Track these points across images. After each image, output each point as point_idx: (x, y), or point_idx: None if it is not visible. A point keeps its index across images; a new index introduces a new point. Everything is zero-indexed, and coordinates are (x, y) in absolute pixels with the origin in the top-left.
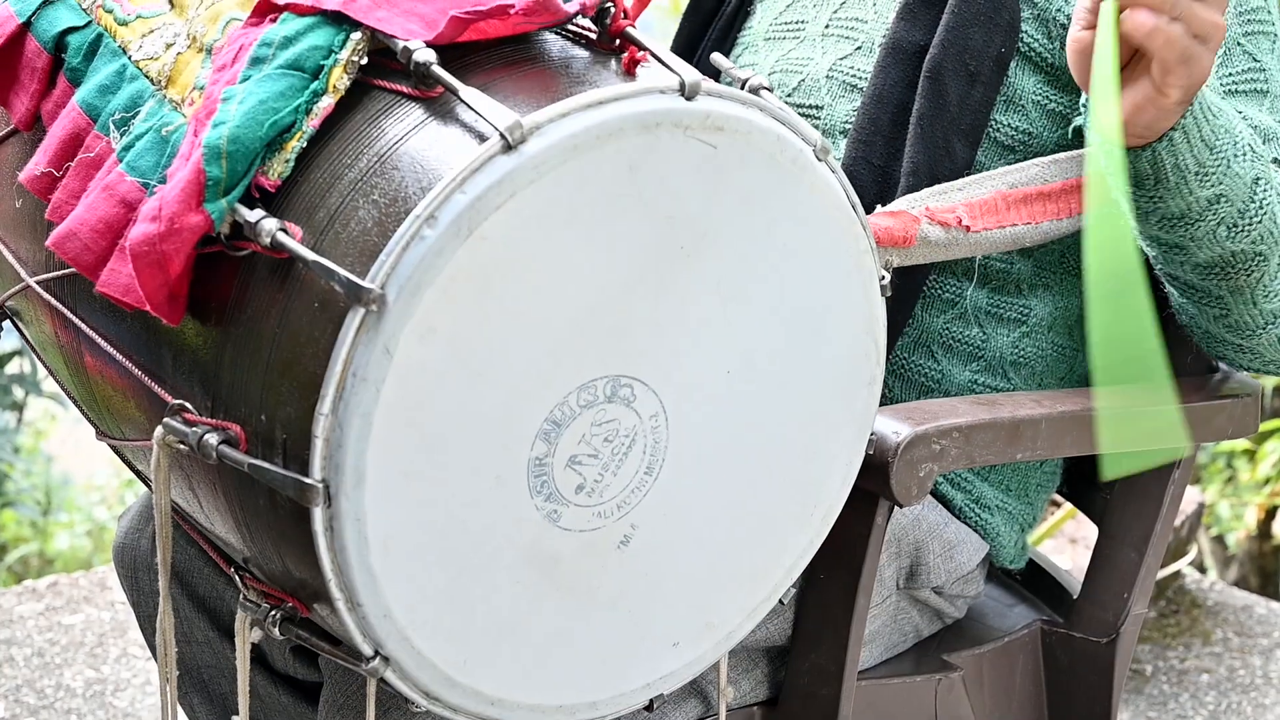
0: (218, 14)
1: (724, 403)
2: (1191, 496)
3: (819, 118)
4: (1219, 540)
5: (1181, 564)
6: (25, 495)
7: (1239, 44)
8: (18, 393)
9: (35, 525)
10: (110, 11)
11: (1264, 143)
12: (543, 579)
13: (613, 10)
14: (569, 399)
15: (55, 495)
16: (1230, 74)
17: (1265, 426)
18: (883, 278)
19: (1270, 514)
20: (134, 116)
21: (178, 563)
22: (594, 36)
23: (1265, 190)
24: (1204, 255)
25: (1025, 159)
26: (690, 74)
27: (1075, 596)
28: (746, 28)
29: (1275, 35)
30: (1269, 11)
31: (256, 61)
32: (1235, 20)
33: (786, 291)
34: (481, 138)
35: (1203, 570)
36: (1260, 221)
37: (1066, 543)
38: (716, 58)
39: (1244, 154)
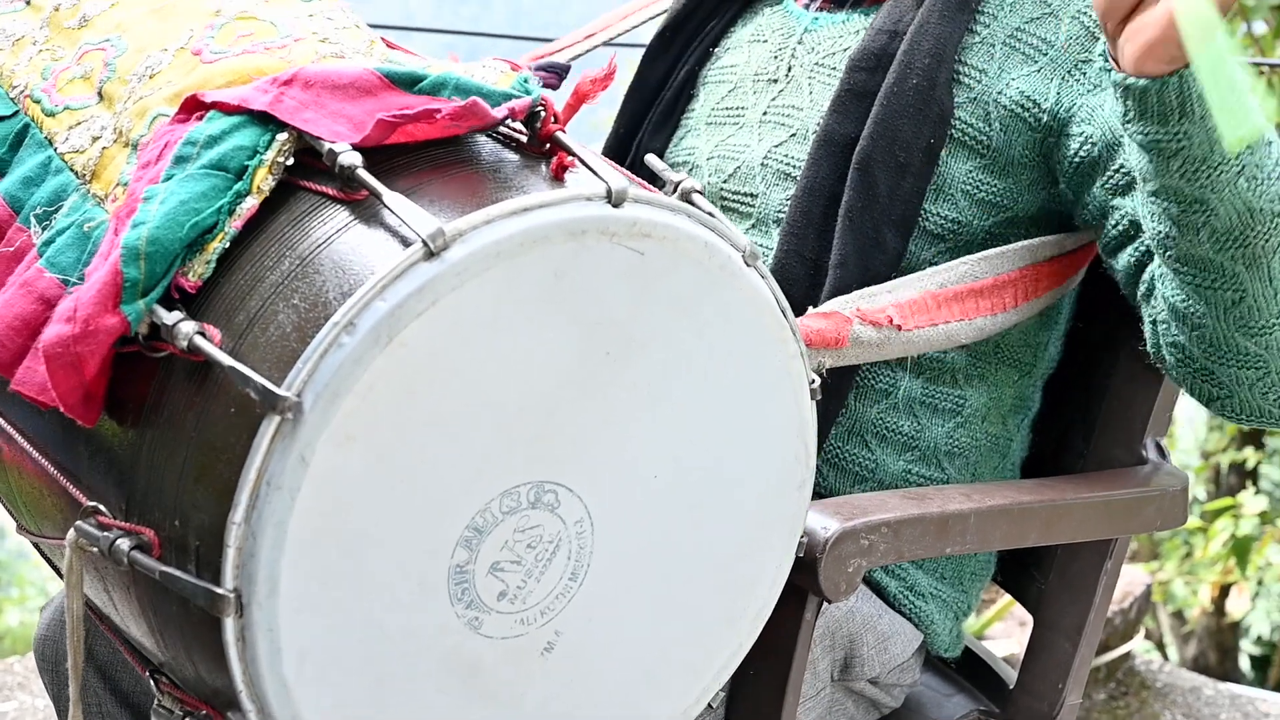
0: (145, 109)
1: (651, 508)
2: (1139, 578)
3: (754, 205)
4: (1178, 616)
5: (1131, 645)
6: None
7: None
8: None
9: None
10: (38, 101)
11: None
12: (465, 687)
13: (543, 115)
14: (491, 505)
15: (7, 570)
16: None
17: (1217, 505)
18: (813, 381)
19: (1224, 591)
20: (56, 210)
21: (101, 656)
22: (525, 139)
23: None
24: (1223, 214)
25: (956, 247)
26: (618, 181)
27: (1011, 686)
28: (690, 110)
29: None
30: None
31: (180, 160)
32: None
33: (715, 396)
34: (405, 243)
35: (1162, 647)
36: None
37: (1016, 625)
38: (651, 159)
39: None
